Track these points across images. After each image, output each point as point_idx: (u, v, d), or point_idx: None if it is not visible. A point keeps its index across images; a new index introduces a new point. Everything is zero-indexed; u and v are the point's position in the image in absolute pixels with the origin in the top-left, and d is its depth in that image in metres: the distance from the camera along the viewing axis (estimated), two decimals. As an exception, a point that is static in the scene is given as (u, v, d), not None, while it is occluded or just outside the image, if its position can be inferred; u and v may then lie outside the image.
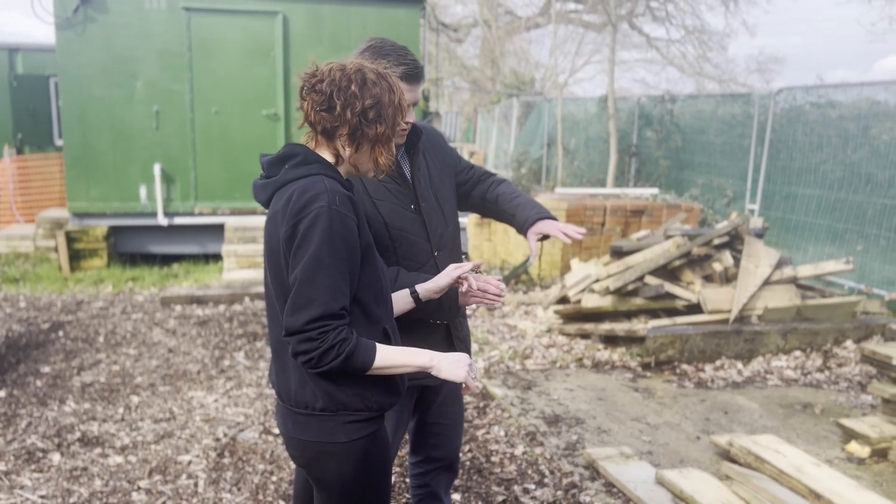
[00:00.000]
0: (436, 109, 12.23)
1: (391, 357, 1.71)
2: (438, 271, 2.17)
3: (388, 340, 1.78)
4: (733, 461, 3.65)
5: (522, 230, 2.51)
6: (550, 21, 22.41)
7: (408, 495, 3.24)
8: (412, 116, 1.98)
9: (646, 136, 11.15)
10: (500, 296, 2.10)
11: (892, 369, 3.82)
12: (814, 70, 35.90)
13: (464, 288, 2.06)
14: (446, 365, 1.76)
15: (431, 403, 2.48)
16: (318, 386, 1.72)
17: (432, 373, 1.75)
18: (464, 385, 1.79)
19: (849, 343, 5.42)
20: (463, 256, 2.43)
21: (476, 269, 2.13)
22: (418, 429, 2.56)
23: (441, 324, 2.29)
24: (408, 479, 2.77)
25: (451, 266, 2.05)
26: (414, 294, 2.05)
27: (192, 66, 7.75)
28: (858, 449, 3.81)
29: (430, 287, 2.04)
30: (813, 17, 35.57)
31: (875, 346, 3.96)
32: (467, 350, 2.46)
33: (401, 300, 2.03)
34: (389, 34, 8.48)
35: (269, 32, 7.90)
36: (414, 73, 2.09)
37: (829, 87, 8.25)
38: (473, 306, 5.16)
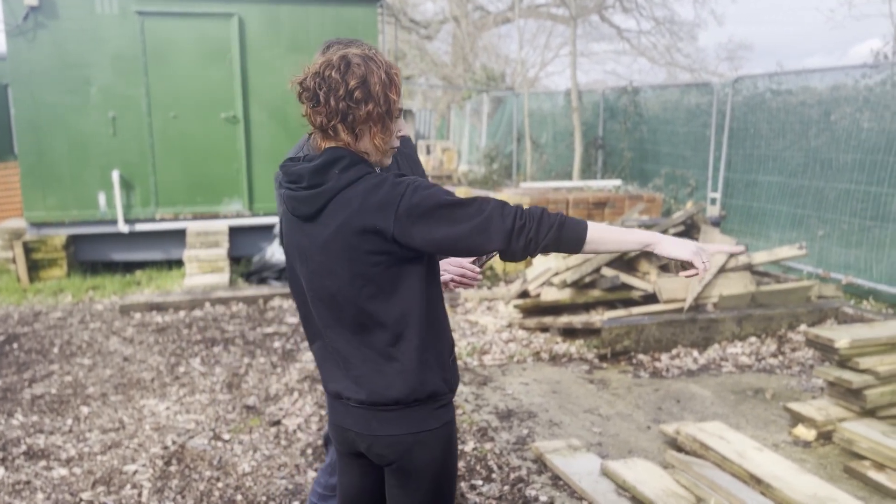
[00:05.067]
0: (408, 108, 12.20)
1: (604, 231, 1.70)
2: None
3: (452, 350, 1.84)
4: (680, 449, 3.67)
5: None
6: (520, 15, 22.43)
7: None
8: (404, 129, 1.97)
9: (611, 128, 11.19)
10: (475, 278, 2.19)
11: (835, 353, 3.85)
12: (784, 58, 36.22)
13: (447, 277, 2.15)
14: (669, 243, 1.72)
15: None
16: (408, 378, 1.73)
17: (655, 250, 1.73)
18: (688, 265, 1.75)
19: (803, 328, 5.47)
20: None
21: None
22: None
23: None
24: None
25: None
26: None
27: (147, 70, 7.67)
28: (805, 432, 3.85)
29: None
30: (784, 5, 35.90)
31: (819, 330, 4.00)
32: None
33: None
34: (348, 33, 8.43)
35: (225, 34, 7.83)
36: None
37: (789, 74, 8.32)
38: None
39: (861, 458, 3.53)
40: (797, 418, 3.94)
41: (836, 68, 7.70)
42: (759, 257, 5.82)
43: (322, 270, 1.72)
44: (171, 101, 7.81)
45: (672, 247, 1.72)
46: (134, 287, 7.41)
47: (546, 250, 1.67)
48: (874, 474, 3.34)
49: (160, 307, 6.57)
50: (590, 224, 1.68)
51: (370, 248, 1.65)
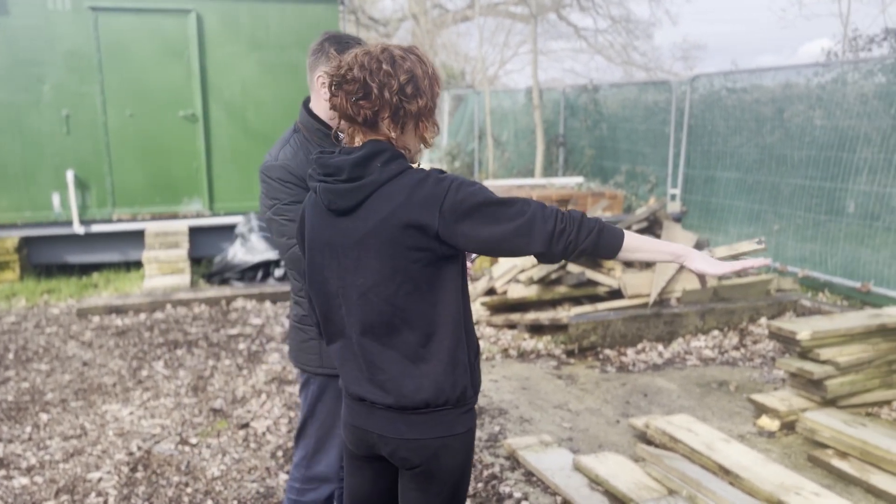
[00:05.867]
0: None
1: (639, 239, 1.72)
2: None
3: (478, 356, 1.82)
4: (650, 442, 3.72)
5: None
6: (479, 14, 22.47)
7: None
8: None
9: (572, 125, 11.29)
10: (469, 275, 2.17)
11: (797, 344, 3.95)
12: (738, 57, 36.96)
13: None
14: (700, 259, 1.75)
15: None
16: (438, 379, 1.70)
17: (684, 263, 1.75)
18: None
19: (763, 320, 5.59)
20: None
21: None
22: None
23: None
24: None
25: None
26: None
27: (102, 67, 7.48)
28: (769, 423, 3.94)
29: None
30: (736, 4, 36.67)
31: (781, 322, 4.09)
32: None
33: None
34: (308, 30, 8.34)
35: (183, 31, 7.68)
36: None
37: (744, 73, 8.49)
38: None
39: (824, 446, 3.62)
40: (761, 409, 4.03)
41: (789, 67, 7.88)
42: (720, 252, 5.89)
43: (355, 266, 1.68)
44: (127, 99, 7.63)
45: (702, 264, 1.74)
46: (91, 290, 7.23)
47: (583, 254, 1.66)
48: (837, 462, 3.43)
49: (119, 310, 6.42)
50: (626, 233, 1.70)
51: (412, 244, 1.62)
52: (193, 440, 3.91)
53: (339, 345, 1.80)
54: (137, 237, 7.82)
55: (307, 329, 2.29)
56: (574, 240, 1.64)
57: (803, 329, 3.92)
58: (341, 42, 2.16)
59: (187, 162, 7.89)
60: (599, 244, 1.67)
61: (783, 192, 7.58)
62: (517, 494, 3.27)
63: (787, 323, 4.04)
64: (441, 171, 1.66)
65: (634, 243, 1.70)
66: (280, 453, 3.74)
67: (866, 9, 29.30)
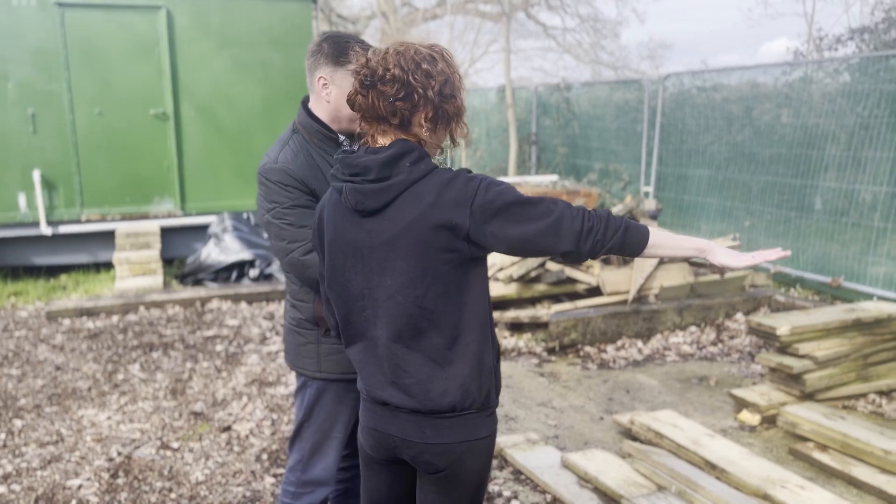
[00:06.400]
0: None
1: (662, 236, 1.71)
2: None
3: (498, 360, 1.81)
4: (635, 439, 3.75)
5: None
6: (448, 12, 22.47)
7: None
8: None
9: (544, 124, 11.35)
10: None
11: (776, 339, 4.01)
12: (703, 55, 37.51)
13: None
14: (722, 252, 1.75)
15: None
16: (464, 382, 1.69)
17: (707, 257, 1.75)
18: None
19: (739, 316, 5.68)
20: None
21: None
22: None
23: None
24: None
25: None
26: None
27: (69, 65, 7.31)
28: (750, 417, 3.99)
29: None
30: (701, 4, 37.22)
31: (761, 318, 4.15)
32: None
33: None
34: (281, 27, 8.22)
35: (152, 28, 7.54)
36: None
37: (714, 72, 8.61)
38: None
39: (804, 440, 3.69)
40: (742, 404, 4.08)
41: (757, 66, 8.02)
42: (696, 249, 6.00)
43: (383, 269, 1.66)
44: (95, 97, 7.47)
45: (725, 257, 1.74)
46: (59, 292, 7.06)
47: (610, 252, 1.66)
48: (818, 455, 3.49)
49: (91, 312, 6.28)
50: (651, 229, 1.70)
51: (442, 245, 1.61)
52: (175, 444, 3.84)
53: (360, 347, 1.77)
54: (107, 238, 7.66)
55: (305, 333, 2.25)
56: (602, 238, 1.64)
57: (783, 324, 3.98)
58: (339, 42, 2.11)
59: (158, 161, 7.75)
60: (626, 242, 1.67)
61: (753, 190, 7.70)
62: (506, 493, 3.27)
63: (767, 319, 4.11)
64: (469, 171, 1.66)
65: (659, 240, 1.70)
66: (265, 456, 3.69)
67: (830, 8, 29.98)
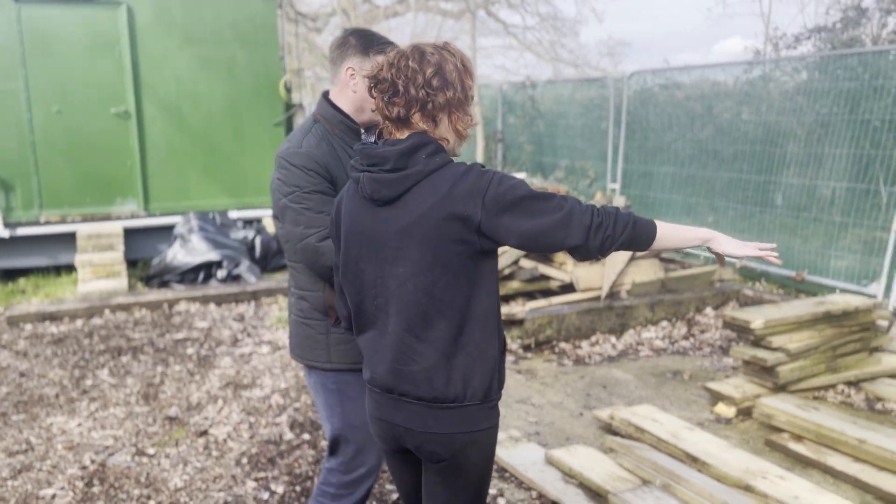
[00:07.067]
0: (299, 101, 11.90)
1: (669, 229, 1.75)
2: None
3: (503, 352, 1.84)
4: (616, 433, 3.79)
5: None
6: (409, 9, 22.41)
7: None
8: (476, 116, 1.91)
9: (510, 122, 11.39)
10: None
11: (751, 333, 4.09)
12: (660, 54, 38.11)
13: None
14: (726, 241, 1.78)
15: None
16: (467, 374, 1.72)
17: (712, 246, 1.78)
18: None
19: (709, 310, 5.78)
20: None
21: None
22: None
23: None
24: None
25: None
26: None
27: (25, 62, 7.09)
28: (725, 410, 4.06)
29: None
30: (659, 3, 37.81)
31: (735, 312, 4.23)
32: None
33: None
34: (246, 24, 8.09)
35: (113, 24, 7.36)
36: None
37: (675, 70, 8.74)
38: None
39: (779, 431, 3.76)
40: (717, 397, 4.15)
41: (718, 64, 8.16)
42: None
43: (395, 257, 1.70)
44: (54, 95, 7.27)
45: (729, 245, 1.79)
46: (19, 296, 6.85)
47: (620, 248, 1.70)
48: (794, 445, 3.57)
49: (54, 316, 6.11)
50: (658, 223, 1.73)
51: (454, 236, 1.65)
52: (150, 450, 3.76)
53: (370, 335, 1.81)
54: (68, 240, 7.46)
55: (313, 324, 2.25)
56: (611, 234, 1.68)
57: (757, 318, 4.06)
58: (366, 35, 2.20)
59: (120, 161, 7.58)
60: (635, 237, 1.70)
61: (717, 186, 7.84)
62: (492, 491, 3.27)
63: (741, 313, 4.18)
64: (482, 166, 1.69)
65: (667, 234, 1.75)
66: (245, 460, 3.63)
67: (786, 8, 30.67)
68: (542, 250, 1.71)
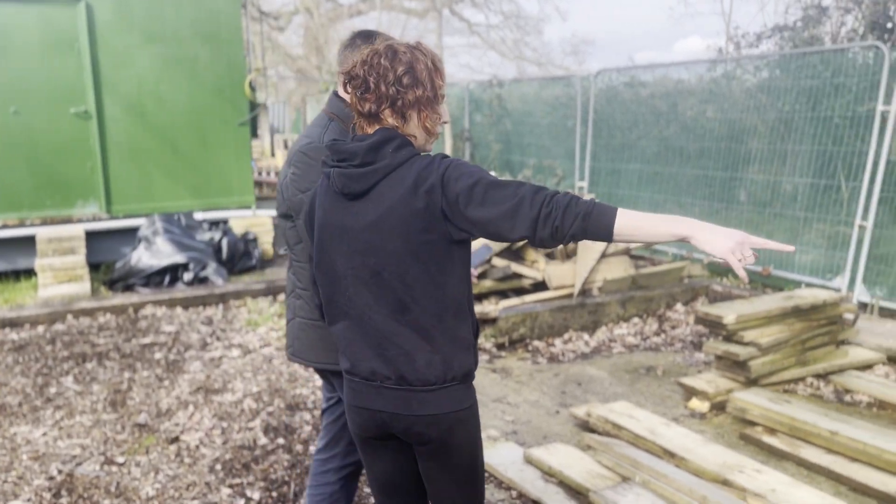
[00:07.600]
0: (263, 101, 11.73)
1: (634, 219, 1.60)
2: None
3: (476, 337, 1.87)
4: (593, 431, 3.80)
5: None
6: (373, 8, 22.30)
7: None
8: (447, 115, 1.89)
9: (476, 120, 11.39)
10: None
11: (723, 328, 4.13)
12: (623, 52, 38.55)
13: None
14: (708, 236, 1.57)
15: None
16: (446, 356, 1.76)
17: (692, 243, 1.59)
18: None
19: (679, 306, 5.84)
20: None
21: None
22: None
23: None
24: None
25: None
26: None
27: (-20, 60, 6.88)
28: (699, 405, 4.10)
29: None
30: (622, 2, 38.26)
31: (707, 307, 4.27)
32: None
33: None
34: (209, 23, 7.96)
35: (72, 22, 7.17)
36: None
37: (640, 68, 8.82)
38: None
39: (753, 424, 3.81)
40: (690, 392, 4.19)
41: (682, 63, 8.26)
42: (636, 246, 6.13)
43: (366, 248, 1.75)
44: (10, 94, 7.06)
45: (710, 242, 1.58)
46: (-24, 302, 6.64)
47: (575, 239, 1.65)
48: (767, 438, 3.62)
49: (14, 323, 5.93)
50: (620, 212, 1.59)
51: (422, 226, 1.69)
52: (120, 459, 3.66)
53: (343, 325, 1.84)
54: (27, 244, 7.25)
55: (325, 326, 2.21)
56: (560, 225, 1.61)
57: (729, 313, 4.11)
58: (372, 36, 2.19)
59: (81, 162, 7.39)
60: (588, 228, 1.61)
61: (682, 183, 7.93)
62: (472, 492, 3.25)
63: (714, 308, 4.23)
64: (445, 156, 1.73)
65: (631, 223, 1.59)
66: (219, 466, 3.56)
67: (746, 7, 31.21)
68: (495, 239, 1.71)
